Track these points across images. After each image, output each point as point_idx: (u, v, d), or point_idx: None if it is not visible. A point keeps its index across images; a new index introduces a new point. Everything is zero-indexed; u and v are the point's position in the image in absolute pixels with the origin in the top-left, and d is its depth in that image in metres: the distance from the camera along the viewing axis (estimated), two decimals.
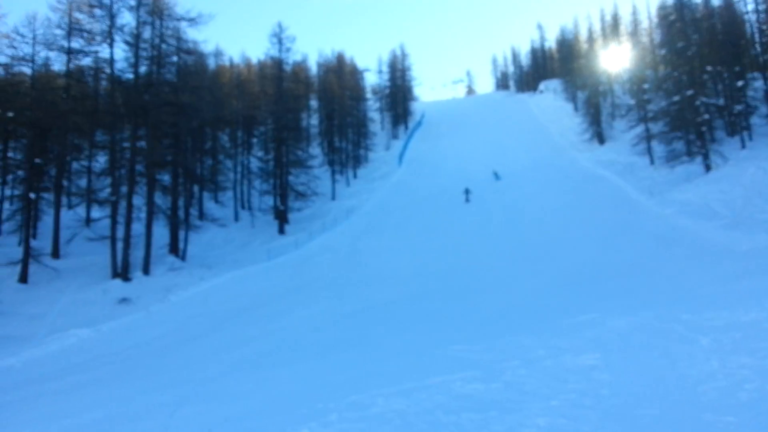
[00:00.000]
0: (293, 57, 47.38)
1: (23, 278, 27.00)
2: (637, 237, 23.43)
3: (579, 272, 19.42)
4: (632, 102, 42.35)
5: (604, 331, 9.39)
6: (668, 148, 31.85)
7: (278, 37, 44.74)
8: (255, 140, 53.82)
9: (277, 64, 45.44)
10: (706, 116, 29.72)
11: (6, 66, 33.64)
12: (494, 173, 42.29)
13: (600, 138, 47.96)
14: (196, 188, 42.04)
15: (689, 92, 29.77)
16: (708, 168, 28.62)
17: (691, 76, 30.35)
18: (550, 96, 71.70)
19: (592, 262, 20.65)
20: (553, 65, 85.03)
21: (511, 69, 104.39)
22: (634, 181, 33.49)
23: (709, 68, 30.91)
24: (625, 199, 30.68)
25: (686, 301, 11.24)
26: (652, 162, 36.17)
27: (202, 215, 41.23)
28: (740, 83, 32.19)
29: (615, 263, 19.86)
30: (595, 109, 49.09)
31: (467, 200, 37.21)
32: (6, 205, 33.94)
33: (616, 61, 52.25)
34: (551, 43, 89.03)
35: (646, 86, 38.35)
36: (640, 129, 38.56)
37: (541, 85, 78.46)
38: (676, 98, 30.92)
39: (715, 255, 18.29)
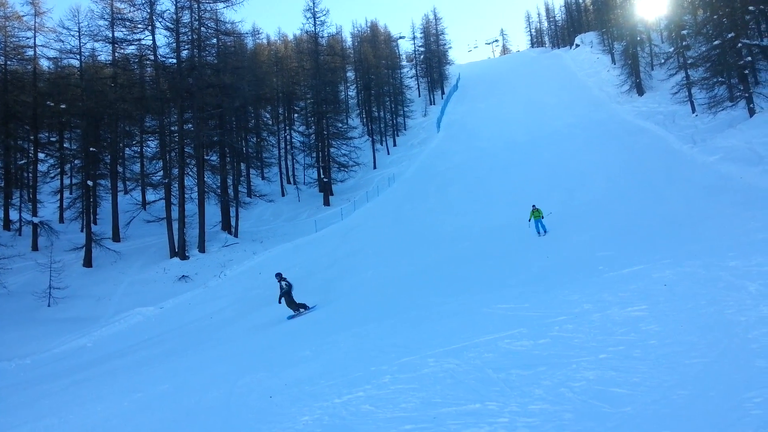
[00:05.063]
0: (328, 30, 47.34)
1: (87, 262, 28.42)
2: (682, 186, 22.93)
3: (623, 225, 19.25)
4: (671, 49, 40.52)
5: (651, 282, 9.32)
6: (710, 94, 30.55)
7: (312, 11, 44.75)
8: (296, 115, 54.47)
9: (313, 38, 45.50)
10: (749, 59, 28.36)
11: (55, 60, 34.98)
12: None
13: (639, 89, 46.46)
14: (243, 166, 42.94)
15: (730, 35, 28.42)
16: (752, 112, 27.55)
17: (732, 18, 28.75)
18: (587, 49, 69.61)
19: (637, 214, 20.40)
20: (588, 18, 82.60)
21: (545, 25, 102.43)
22: (676, 130, 32.48)
23: (751, 8, 29.10)
24: (667, 148, 29.90)
25: (733, 248, 10.99)
26: (693, 110, 34.91)
27: (250, 192, 42.26)
28: None
29: (660, 214, 19.55)
30: (633, 60, 47.37)
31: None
32: (66, 193, 35.56)
33: (652, 8, 50.03)
34: None
35: (684, 32, 36.61)
36: (679, 77, 37.09)
37: (577, 39, 76.13)
38: (716, 42, 29.57)
39: (763, 200, 17.71)
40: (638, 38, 49.59)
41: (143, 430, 7.95)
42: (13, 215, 32.27)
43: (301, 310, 16.93)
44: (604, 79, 55.00)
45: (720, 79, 30.39)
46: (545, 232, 21.13)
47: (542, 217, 21.34)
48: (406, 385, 6.64)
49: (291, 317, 16.67)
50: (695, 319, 7.01)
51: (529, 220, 21.74)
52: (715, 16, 30.09)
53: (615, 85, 49.86)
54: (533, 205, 21.90)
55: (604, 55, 63.14)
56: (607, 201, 24.29)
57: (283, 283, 16.96)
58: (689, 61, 35.25)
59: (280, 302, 17.03)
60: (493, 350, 7.36)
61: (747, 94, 27.93)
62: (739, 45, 28.21)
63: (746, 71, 28.33)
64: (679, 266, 10.07)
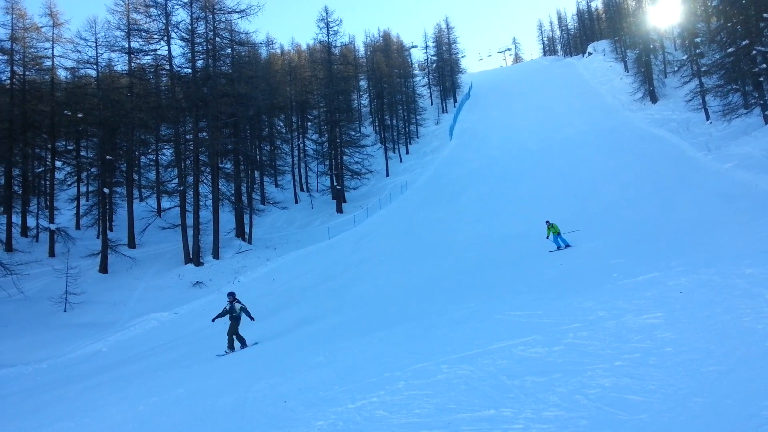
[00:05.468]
0: (341, 39, 47.86)
1: (103, 268, 28.72)
2: (696, 193, 22.87)
3: (637, 232, 19.18)
4: (684, 57, 40.35)
5: (666, 289, 9.21)
6: (724, 102, 30.33)
7: (325, 21, 45.18)
8: (309, 124, 54.83)
9: (326, 48, 45.86)
10: (764, 66, 28.17)
11: (73, 70, 35.53)
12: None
13: (653, 96, 46.22)
14: (256, 174, 43.23)
15: (744, 42, 28.32)
16: (767, 120, 27.30)
17: (746, 25, 28.63)
18: (599, 58, 69.41)
19: (651, 222, 20.37)
20: (601, 26, 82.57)
21: (557, 33, 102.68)
22: (690, 137, 32.30)
23: (765, 15, 28.90)
24: (681, 156, 29.79)
25: (749, 255, 10.85)
26: (707, 117, 34.70)
27: (264, 199, 42.49)
28: None
29: (674, 221, 19.50)
30: (646, 67, 47.18)
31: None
32: (83, 200, 36.01)
33: (665, 16, 49.80)
34: (598, 3, 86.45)
35: (698, 40, 36.44)
36: (693, 84, 36.83)
37: (590, 47, 75.89)
38: (730, 50, 29.44)
39: None
40: (651, 46, 49.36)
41: None
42: (31, 222, 32.73)
43: (238, 346, 14.28)
44: (616, 87, 54.72)
45: (734, 86, 30.21)
46: (567, 246, 19.66)
47: (559, 233, 20.05)
48: (420, 391, 6.60)
49: (221, 355, 13.89)
50: (712, 327, 6.91)
51: (547, 237, 20.44)
52: (728, 24, 29.98)
53: (628, 92, 49.59)
54: (547, 221, 20.85)
55: (617, 63, 62.90)
56: (620, 208, 24.18)
57: (237, 305, 14.32)
58: (703, 69, 35.05)
59: (214, 321, 15.00)
60: (507, 357, 7.30)
61: (762, 102, 27.79)
62: (754, 52, 28.07)
63: (761, 78, 28.18)
64: (694, 273, 9.96)
